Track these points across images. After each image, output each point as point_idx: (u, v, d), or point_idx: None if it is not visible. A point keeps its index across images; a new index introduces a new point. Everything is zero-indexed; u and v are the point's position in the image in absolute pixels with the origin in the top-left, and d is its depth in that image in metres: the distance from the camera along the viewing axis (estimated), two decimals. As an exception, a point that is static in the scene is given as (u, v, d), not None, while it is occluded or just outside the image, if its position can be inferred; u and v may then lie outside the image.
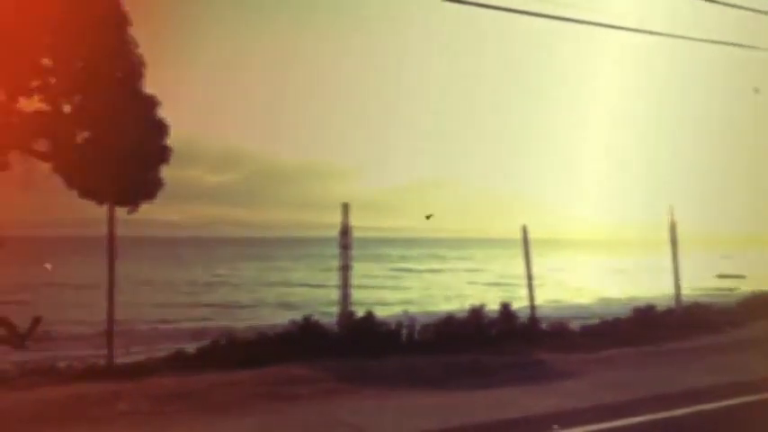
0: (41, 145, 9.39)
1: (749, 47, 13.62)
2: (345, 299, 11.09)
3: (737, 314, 15.41)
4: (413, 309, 17.83)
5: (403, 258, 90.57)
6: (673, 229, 14.73)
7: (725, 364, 10.18)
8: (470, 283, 51.28)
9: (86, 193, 9.66)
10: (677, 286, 14.50)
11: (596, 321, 14.21)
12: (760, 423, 7.15)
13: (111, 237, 9.76)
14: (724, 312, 15.59)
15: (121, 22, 9.60)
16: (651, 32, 12.35)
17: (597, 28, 11.48)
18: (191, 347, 10.80)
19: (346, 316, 11.05)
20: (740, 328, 13.90)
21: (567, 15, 10.98)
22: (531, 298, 12.93)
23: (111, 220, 9.76)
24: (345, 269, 11.12)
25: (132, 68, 9.70)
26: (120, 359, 10.14)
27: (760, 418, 7.24)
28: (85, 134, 9.52)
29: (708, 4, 11.82)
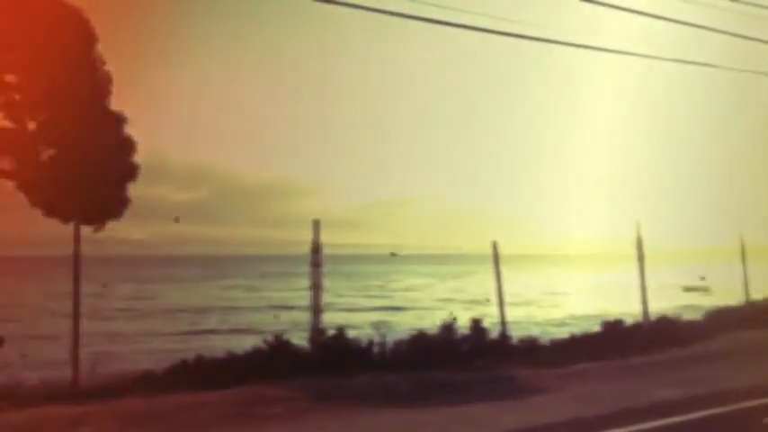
0: (5, 162, 9.20)
1: (721, 67, 14.06)
2: (316, 317, 11.01)
3: (704, 327, 15.66)
4: (384, 326, 17.72)
5: (374, 275, 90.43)
6: (639, 244, 14.99)
7: (692, 376, 10.32)
8: (442, 299, 51.36)
9: (51, 211, 9.48)
10: (644, 301, 14.72)
11: (566, 336, 14.32)
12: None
13: (77, 256, 9.58)
14: (691, 326, 15.83)
15: (88, 38, 9.51)
16: (628, 53, 12.67)
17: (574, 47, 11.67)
18: (159, 368, 10.57)
19: (318, 334, 10.96)
20: (707, 340, 14.13)
21: (549, 37, 11.22)
22: (502, 314, 12.99)
23: (77, 238, 9.59)
24: (316, 287, 11.05)
25: (99, 85, 9.60)
26: (86, 381, 9.89)
27: (728, 430, 7.34)
28: (51, 152, 9.36)
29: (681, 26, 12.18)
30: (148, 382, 9.62)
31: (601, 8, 11.23)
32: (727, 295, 22.23)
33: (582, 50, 12.16)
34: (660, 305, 17.26)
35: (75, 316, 9.60)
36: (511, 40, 11.05)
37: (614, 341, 13.26)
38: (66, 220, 9.56)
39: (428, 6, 9.94)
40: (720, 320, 16.45)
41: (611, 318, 14.97)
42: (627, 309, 16.43)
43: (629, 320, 14.73)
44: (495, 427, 7.27)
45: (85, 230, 9.76)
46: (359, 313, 39.14)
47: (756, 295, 18.36)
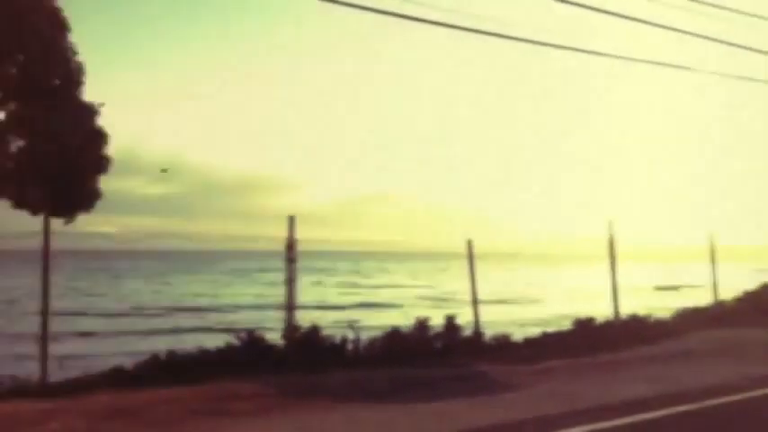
0: (-28, 153, 9.04)
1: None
2: (290, 313, 10.97)
3: (673, 326, 15.94)
4: (359, 322, 17.72)
5: (347, 272, 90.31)
6: (611, 243, 15.23)
7: (659, 374, 10.48)
8: (416, 297, 51.47)
9: (20, 203, 9.32)
10: (615, 299, 14.95)
11: (539, 334, 14.47)
12: None
13: (46, 249, 9.43)
14: (660, 324, 16.09)
15: (60, 27, 9.36)
16: (613, 56, 12.85)
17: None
18: (129, 364, 10.45)
19: (291, 330, 10.93)
20: (675, 339, 14.36)
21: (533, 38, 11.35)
22: (476, 312, 13.08)
23: (47, 231, 9.44)
24: (290, 282, 11.01)
25: (71, 76, 9.46)
26: (55, 377, 9.75)
27: (693, 428, 7.47)
28: (20, 142, 9.22)
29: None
30: (118, 378, 9.52)
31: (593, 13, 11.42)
32: (697, 295, 22.63)
33: (563, 51, 12.28)
34: (632, 304, 17.47)
35: (44, 310, 9.45)
36: (486, 37, 11.07)
37: (585, 339, 13.42)
38: (35, 212, 9.41)
39: (416, 7, 9.99)
40: (689, 320, 16.75)
41: (583, 316, 15.16)
42: (599, 307, 16.61)
43: (600, 319, 14.92)
44: (468, 422, 7.31)
45: (55, 223, 9.62)
46: (332, 310, 38.99)
47: (726, 295, 18.72)
